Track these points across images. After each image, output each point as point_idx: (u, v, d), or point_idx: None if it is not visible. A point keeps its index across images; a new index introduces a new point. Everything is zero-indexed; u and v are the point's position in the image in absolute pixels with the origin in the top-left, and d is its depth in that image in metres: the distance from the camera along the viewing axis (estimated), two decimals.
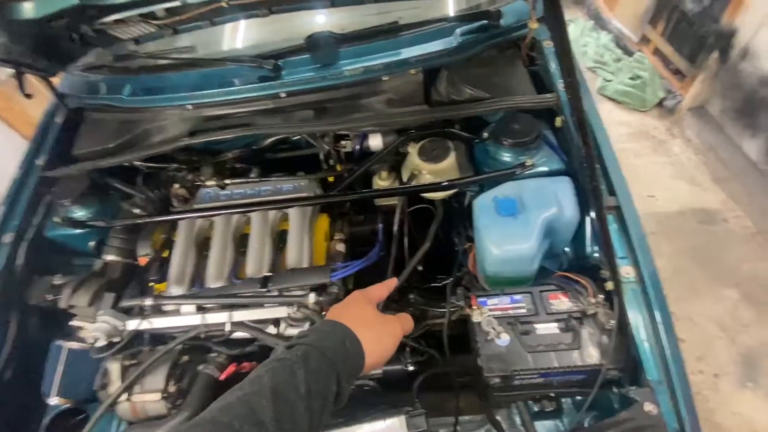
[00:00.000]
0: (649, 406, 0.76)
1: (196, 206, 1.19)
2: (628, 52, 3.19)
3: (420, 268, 1.37)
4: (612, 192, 0.97)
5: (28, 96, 1.34)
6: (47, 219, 1.24)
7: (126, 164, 1.25)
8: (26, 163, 1.29)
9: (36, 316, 1.18)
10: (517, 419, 1.09)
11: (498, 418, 1.08)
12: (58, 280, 1.15)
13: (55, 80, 1.34)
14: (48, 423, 1.14)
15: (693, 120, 2.66)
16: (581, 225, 1.04)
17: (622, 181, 0.99)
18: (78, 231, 1.21)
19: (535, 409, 1.09)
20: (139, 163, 1.27)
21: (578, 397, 1.08)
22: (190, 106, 1.23)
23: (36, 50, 1.11)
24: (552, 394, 1.07)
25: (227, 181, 1.22)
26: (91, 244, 1.26)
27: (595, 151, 1.02)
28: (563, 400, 1.10)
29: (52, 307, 1.13)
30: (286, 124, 1.22)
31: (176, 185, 1.21)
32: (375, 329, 0.65)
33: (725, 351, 1.77)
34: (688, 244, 2.12)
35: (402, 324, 0.74)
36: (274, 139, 1.31)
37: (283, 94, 1.18)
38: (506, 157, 1.09)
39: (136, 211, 1.22)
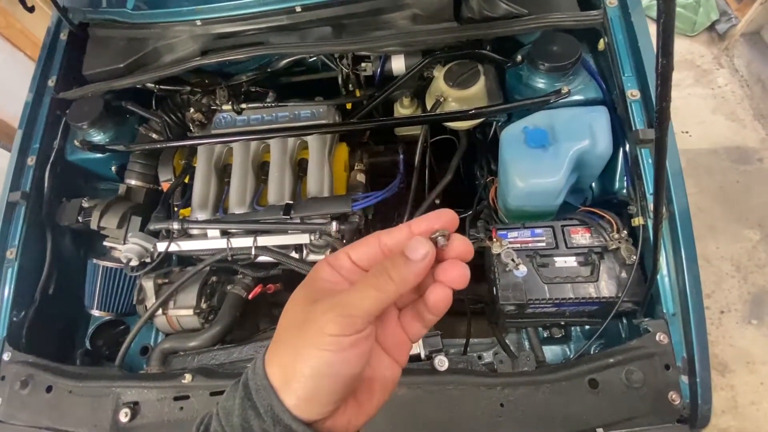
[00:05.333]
0: (660, 336, 0.79)
1: (213, 131, 1.16)
2: None
3: (437, 201, 1.36)
4: (652, 124, 0.91)
5: (30, 9, 1.26)
6: (67, 142, 1.24)
7: (138, 86, 1.21)
8: (37, 84, 1.25)
9: (68, 237, 1.24)
10: (526, 343, 1.16)
11: (506, 341, 1.15)
12: (86, 202, 1.18)
13: None
14: (92, 332, 1.26)
15: (745, 48, 2.40)
16: (613, 159, 0.99)
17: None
18: (99, 155, 1.21)
19: (544, 335, 1.15)
20: (151, 85, 1.23)
21: (587, 327, 1.13)
22: (199, 22, 1.14)
23: None
24: (562, 323, 1.12)
25: (243, 106, 1.17)
26: (113, 168, 1.27)
27: (637, 77, 0.95)
28: (572, 328, 1.15)
29: (83, 228, 1.18)
30: (302, 43, 1.13)
31: (192, 110, 1.17)
32: (289, 344, 0.35)
33: (736, 289, 1.80)
34: (715, 184, 2.04)
35: (346, 311, 0.33)
36: (289, 60, 1.23)
37: (298, 8, 1.08)
38: (540, 83, 1.01)
39: (153, 135, 1.20)
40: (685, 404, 0.76)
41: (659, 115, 0.49)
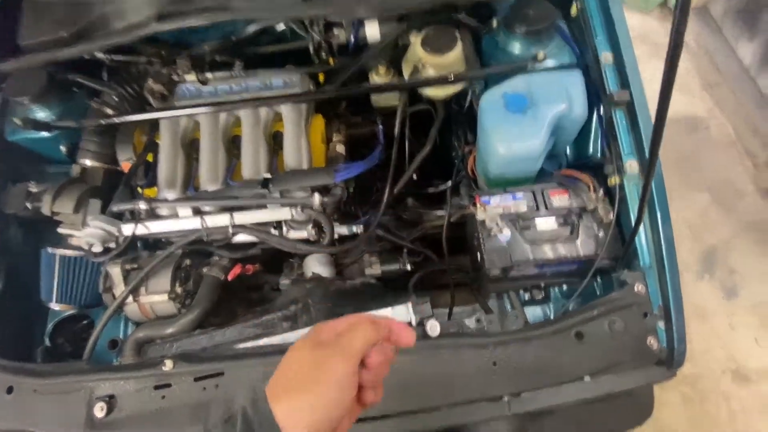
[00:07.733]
0: (639, 287, 0.83)
1: (177, 104, 1.07)
2: None
3: (414, 177, 1.35)
4: (625, 85, 0.94)
5: None
6: (6, 120, 1.10)
7: (86, 56, 1.09)
8: None
9: (15, 226, 1.13)
10: (508, 306, 1.19)
11: (488, 305, 1.17)
12: (34, 187, 1.06)
13: None
14: (51, 329, 1.16)
15: (693, 22, 2.54)
16: (586, 124, 1.02)
17: (637, 76, 0.95)
18: (44, 134, 1.09)
19: (525, 297, 1.18)
20: (101, 55, 1.11)
21: (565, 287, 1.18)
22: None
23: None
24: (542, 284, 1.16)
25: (209, 75, 1.09)
26: (63, 148, 1.15)
27: (609, 41, 0.97)
28: (551, 289, 1.19)
29: (32, 216, 1.07)
30: (270, 8, 1.06)
31: (151, 80, 1.07)
32: (297, 392, 0.43)
33: (689, 248, 1.95)
34: (671, 153, 2.17)
35: (347, 349, 0.45)
36: (256, 27, 1.15)
37: None
38: (517, 48, 1.01)
39: (108, 110, 1.09)
40: (662, 348, 0.81)
41: (672, 51, 0.50)
